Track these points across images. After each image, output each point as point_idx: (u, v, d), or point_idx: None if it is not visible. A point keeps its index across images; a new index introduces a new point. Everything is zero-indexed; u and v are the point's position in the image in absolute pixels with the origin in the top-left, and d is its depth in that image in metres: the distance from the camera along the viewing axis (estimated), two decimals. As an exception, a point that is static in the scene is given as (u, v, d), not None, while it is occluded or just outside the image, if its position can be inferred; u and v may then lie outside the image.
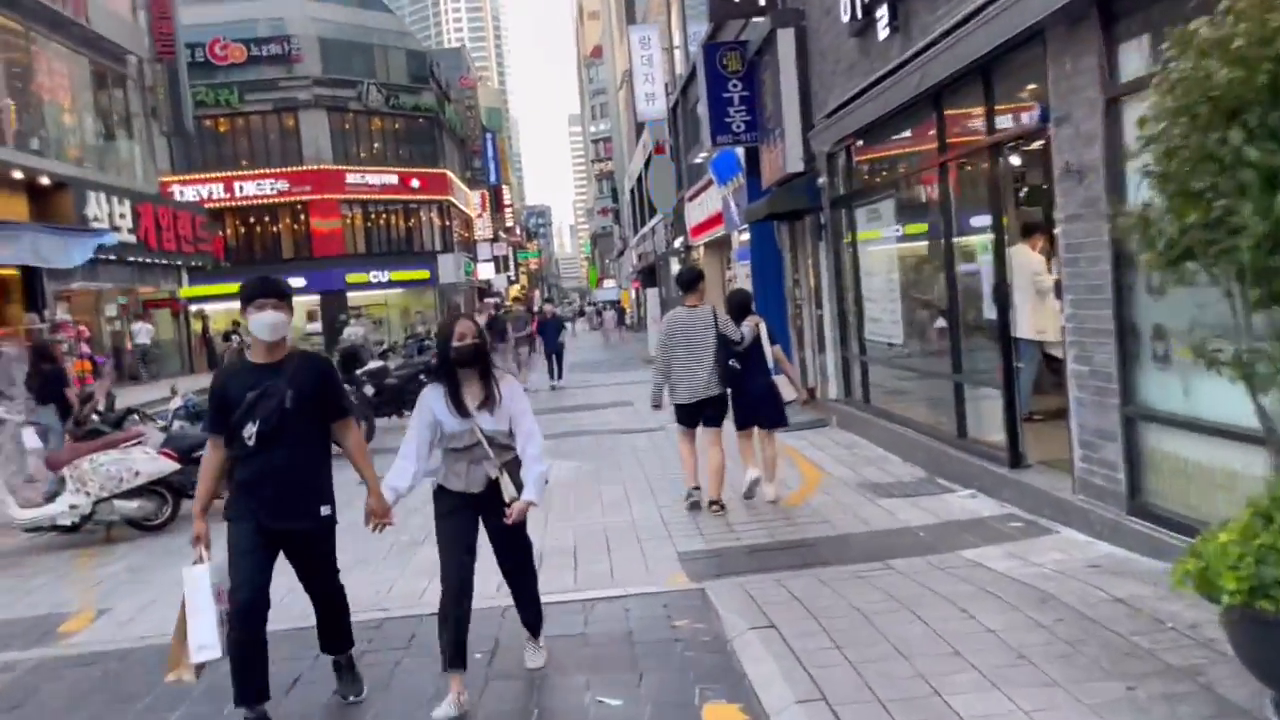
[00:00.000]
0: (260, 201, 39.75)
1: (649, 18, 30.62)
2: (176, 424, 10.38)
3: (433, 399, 4.53)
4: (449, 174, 46.48)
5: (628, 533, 7.39)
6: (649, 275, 46.53)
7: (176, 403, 10.71)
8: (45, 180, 20.92)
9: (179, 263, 27.61)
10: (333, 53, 40.70)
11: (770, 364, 7.83)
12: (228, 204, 39.57)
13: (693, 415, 7.64)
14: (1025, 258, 7.80)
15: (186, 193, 38.70)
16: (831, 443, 10.69)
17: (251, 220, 40.54)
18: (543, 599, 4.97)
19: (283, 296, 4.30)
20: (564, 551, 6.98)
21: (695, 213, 23.44)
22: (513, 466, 4.52)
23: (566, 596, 5.89)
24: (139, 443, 8.65)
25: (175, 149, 39.88)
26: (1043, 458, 7.18)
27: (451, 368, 4.44)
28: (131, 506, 8.42)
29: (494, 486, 4.43)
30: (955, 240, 8.15)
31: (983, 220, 7.63)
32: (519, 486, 4.48)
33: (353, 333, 21.98)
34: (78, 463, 8.32)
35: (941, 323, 8.58)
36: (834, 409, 11.68)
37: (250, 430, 4.17)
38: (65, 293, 22.59)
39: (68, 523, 8.26)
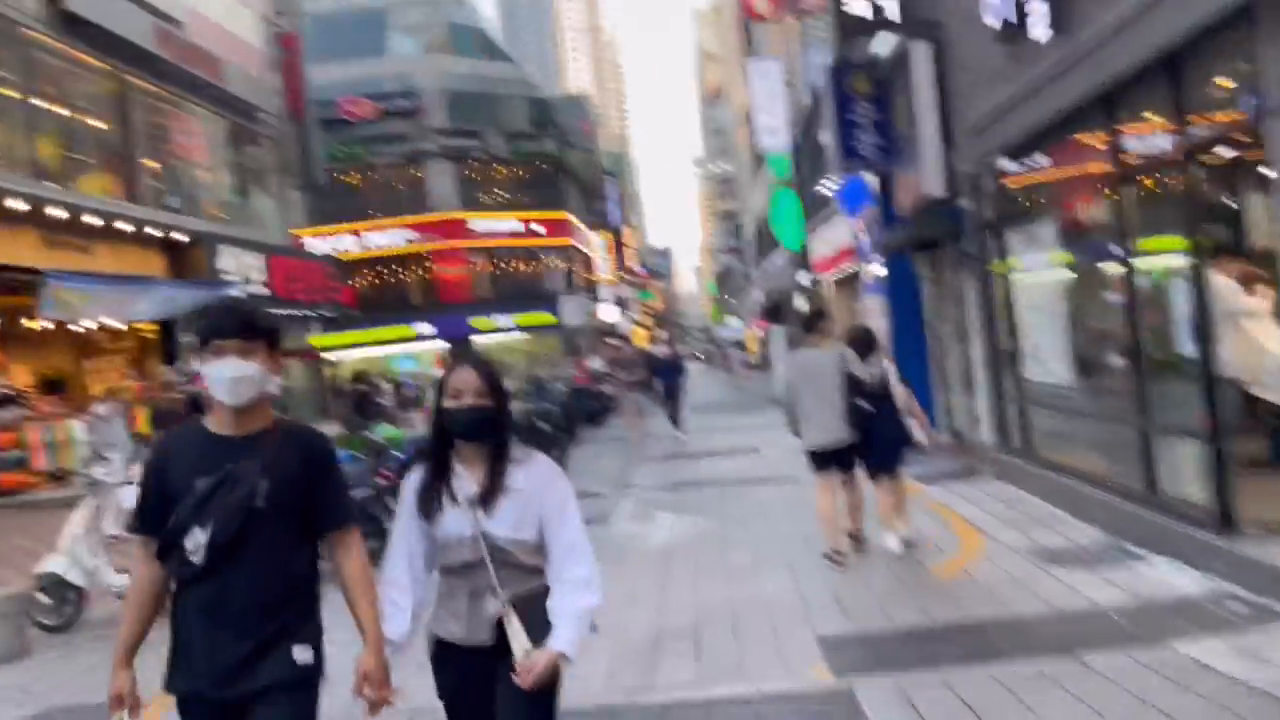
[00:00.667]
0: (389, 251, 40.59)
1: (769, 51, 29.92)
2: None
3: (410, 488, 3.09)
4: (571, 218, 46.65)
5: (758, 610, 6.45)
6: (774, 313, 45.51)
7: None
8: (181, 237, 21.51)
9: (309, 312, 28.10)
10: (457, 104, 41.44)
11: (899, 404, 7.41)
12: (358, 255, 40.51)
13: (826, 460, 7.28)
14: (1225, 283, 6.59)
15: (319, 245, 39.82)
16: (987, 496, 9.50)
17: (381, 270, 41.40)
18: (658, 698, 4.10)
19: (253, 335, 2.85)
20: (683, 634, 6.08)
21: (822, 246, 22.43)
22: (534, 601, 2.92)
23: (686, 695, 4.99)
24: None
25: (309, 203, 41.25)
26: (1260, 519, 5.94)
27: (442, 443, 3.02)
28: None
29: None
30: (1135, 263, 6.99)
31: (1170, 240, 6.47)
32: (541, 630, 2.86)
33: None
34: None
35: (1120, 360, 7.40)
36: (987, 457, 10.47)
37: (197, 540, 2.72)
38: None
39: (165, 589, 7.82)
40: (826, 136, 16.69)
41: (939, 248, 11.35)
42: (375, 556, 3.36)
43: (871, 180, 14.03)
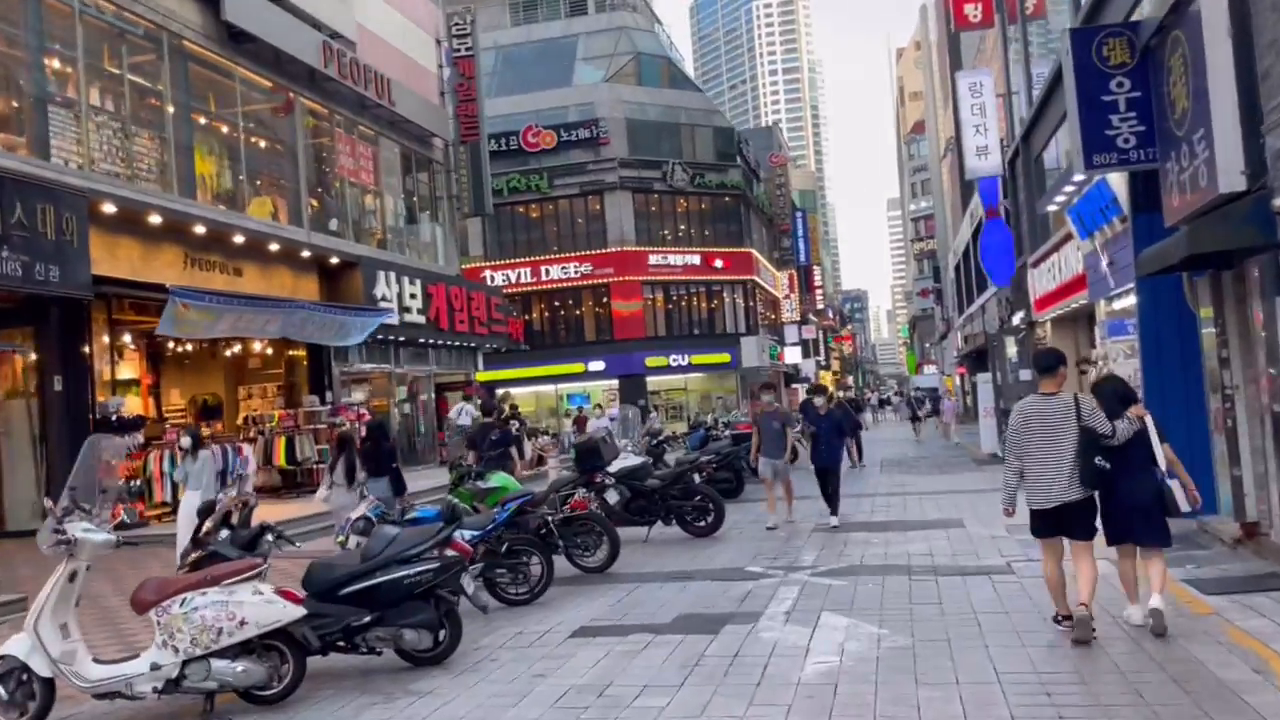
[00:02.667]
0: (564, 285, 39.44)
1: (980, 64, 26.72)
2: (353, 540, 8.00)
3: None
4: (754, 253, 44.29)
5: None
6: (976, 359, 41.38)
7: (359, 510, 8.38)
8: (334, 260, 20.55)
9: (472, 344, 26.86)
10: (639, 134, 40.07)
11: (1161, 465, 6.45)
12: (533, 288, 39.59)
13: (1051, 523, 6.59)
14: None
15: (496, 277, 39.17)
16: (1318, 626, 6.37)
17: (555, 303, 40.32)
18: None
19: None
20: None
21: (1041, 280, 19.08)
22: None
23: None
24: (257, 575, 6.21)
25: (487, 235, 40.81)
26: None
27: None
28: (233, 670, 5.95)
29: None
30: None
31: None
32: None
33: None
34: (167, 604, 5.99)
35: None
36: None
37: None
38: (356, 375, 22.12)
39: (147, 689, 5.90)
40: (1070, 121, 13.69)
41: (1231, 266, 8.24)
42: None
43: (1118, 186, 10.96)
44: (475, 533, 8.26)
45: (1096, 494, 6.46)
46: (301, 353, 20.75)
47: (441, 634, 6.71)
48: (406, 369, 24.29)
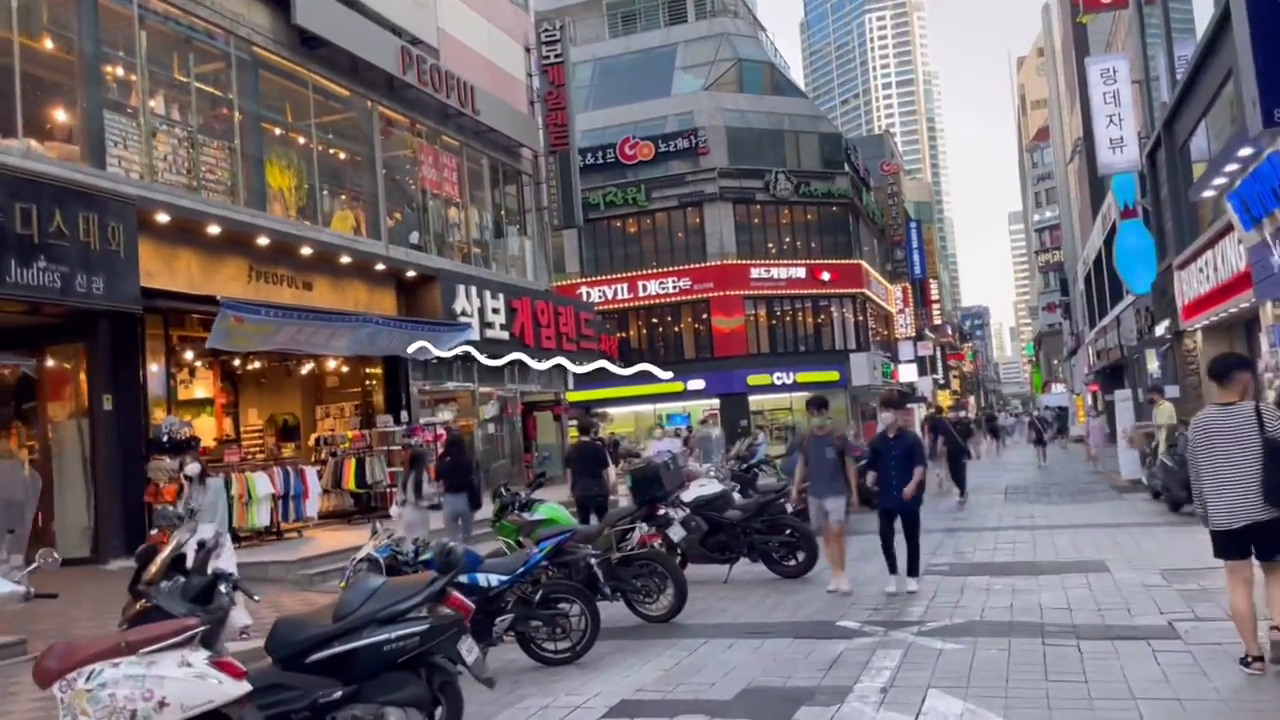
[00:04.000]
0: (663, 300, 38.06)
1: (1113, 50, 24.31)
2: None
3: None
4: (864, 265, 42.07)
5: None
6: (1110, 376, 38.20)
7: (366, 549, 7.05)
8: (411, 274, 19.62)
9: (560, 361, 25.66)
10: (740, 142, 38.48)
11: None
12: (631, 304, 38.34)
13: (1239, 545, 5.82)
14: None
15: (592, 294, 38.10)
16: None
17: (654, 320, 38.96)
18: None
19: None
20: None
21: (1191, 283, 16.75)
22: None
23: None
24: (188, 640, 4.89)
25: (584, 251, 39.80)
26: None
27: None
28: (150, 764, 4.61)
29: None
30: None
31: None
32: None
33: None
34: (71, 677, 4.72)
35: None
36: None
37: None
38: (436, 394, 21.15)
39: (44, 786, 4.64)
40: (1208, 127, 11.69)
41: None
42: None
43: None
44: (503, 578, 6.85)
45: None
46: (378, 370, 19.86)
47: (438, 712, 5.29)
48: (493, 388, 23.21)
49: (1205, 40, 14.77)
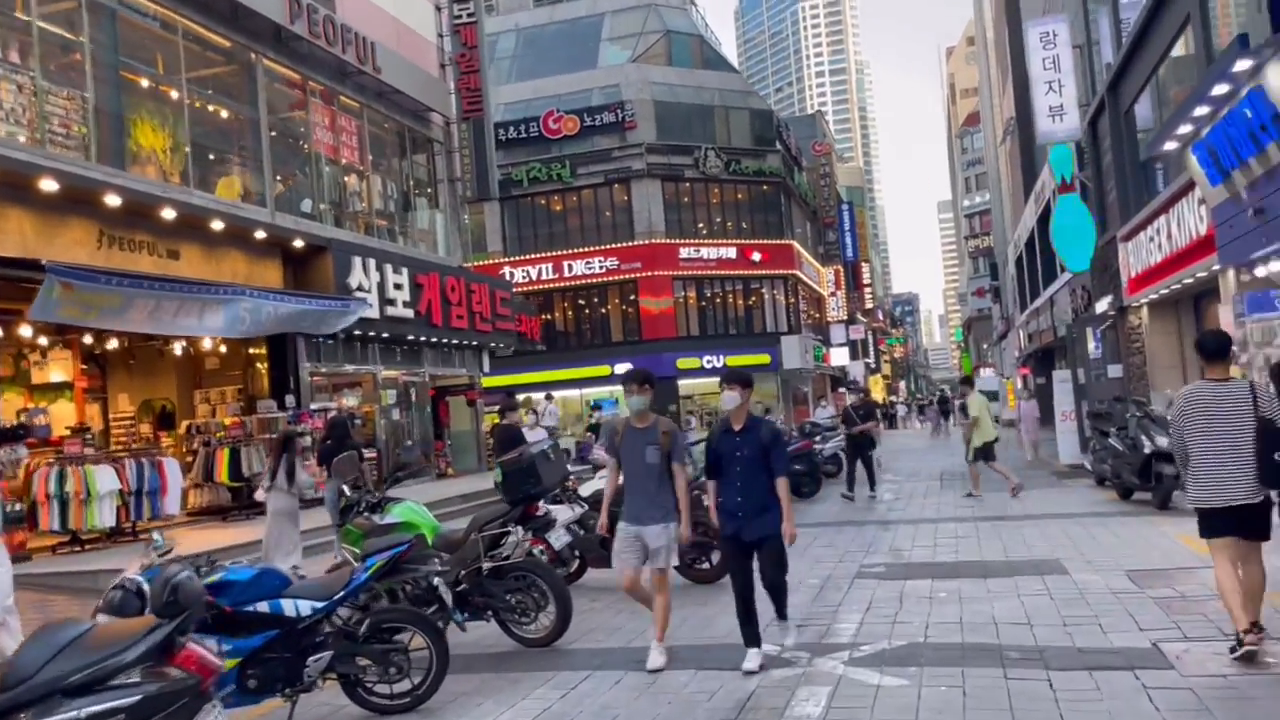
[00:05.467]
0: (589, 281, 36.46)
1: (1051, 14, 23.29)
2: (103, 617, 4.96)
3: None
4: (796, 246, 40.94)
5: None
6: (1042, 359, 37.64)
7: (130, 569, 5.33)
8: (299, 243, 17.74)
9: (475, 343, 23.96)
10: (669, 117, 36.99)
11: None
12: (555, 285, 36.68)
13: (1224, 523, 5.62)
14: None
15: (515, 274, 36.40)
16: None
17: (580, 301, 37.35)
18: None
19: None
20: None
21: (1139, 254, 15.70)
22: None
23: None
24: None
25: (507, 229, 37.99)
26: None
27: None
28: None
29: None
30: None
31: None
32: None
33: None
34: None
35: None
36: None
37: None
38: (333, 377, 19.33)
39: None
40: (1153, 93, 10.59)
41: None
42: None
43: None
44: (317, 604, 5.26)
45: (1275, 493, 5.73)
46: (263, 351, 18.00)
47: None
48: (397, 371, 21.45)
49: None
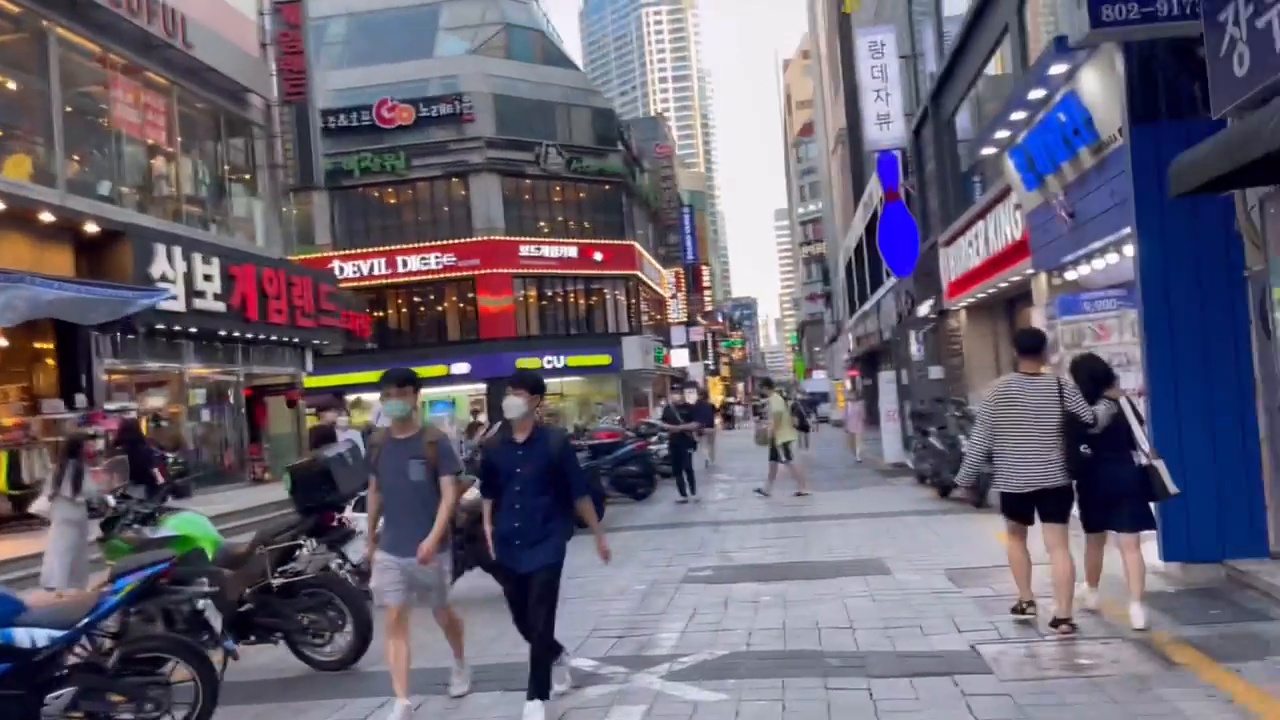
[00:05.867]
0: (424, 277, 35.34)
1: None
2: None
3: None
4: (637, 247, 40.96)
5: None
6: (869, 361, 38.98)
7: None
8: (92, 228, 16.24)
9: (295, 340, 22.67)
10: (509, 112, 36.28)
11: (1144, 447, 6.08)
12: (389, 280, 35.38)
13: (1024, 507, 6.14)
14: None
15: (346, 269, 34.93)
16: None
17: (415, 298, 36.18)
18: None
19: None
20: None
21: (958, 259, 16.20)
22: None
23: None
24: None
25: (337, 221, 36.40)
26: None
27: None
28: None
29: None
30: None
31: None
32: None
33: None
34: None
35: None
36: None
37: None
38: (134, 374, 17.83)
39: None
40: (972, 104, 10.80)
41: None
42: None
43: (1097, 97, 7.86)
44: (56, 633, 4.51)
45: (1076, 481, 6.10)
46: (50, 346, 16.40)
47: None
48: (208, 369, 20.04)
49: (974, 5, 14.08)
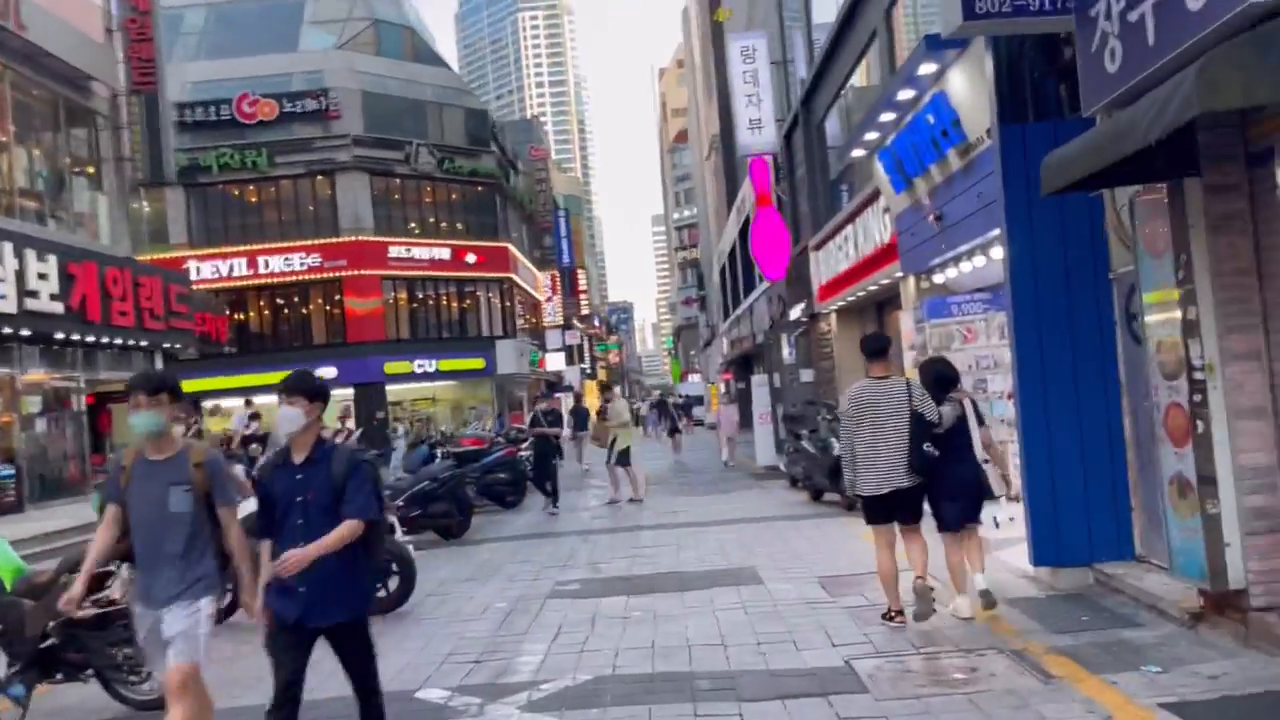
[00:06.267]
0: (288, 279, 33.81)
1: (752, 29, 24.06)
2: None
3: None
4: (511, 249, 40.25)
5: None
6: (743, 365, 39.32)
7: None
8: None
9: (143, 344, 21.25)
10: (377, 110, 35.09)
11: (978, 449, 6.46)
12: (251, 282, 33.75)
13: (883, 509, 6.30)
14: None
15: (203, 269, 33.16)
16: None
17: (279, 300, 34.61)
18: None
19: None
20: None
21: (828, 263, 16.28)
22: None
23: None
24: None
25: (194, 219, 34.54)
26: None
27: None
28: None
29: None
30: None
31: None
32: None
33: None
34: None
35: None
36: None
37: None
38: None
39: None
40: (841, 112, 10.78)
41: (1195, 172, 5.03)
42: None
43: (965, 97, 7.83)
44: None
45: (927, 480, 6.26)
46: None
47: None
48: (44, 374, 18.57)
49: (846, 7, 14.13)
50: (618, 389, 16.78)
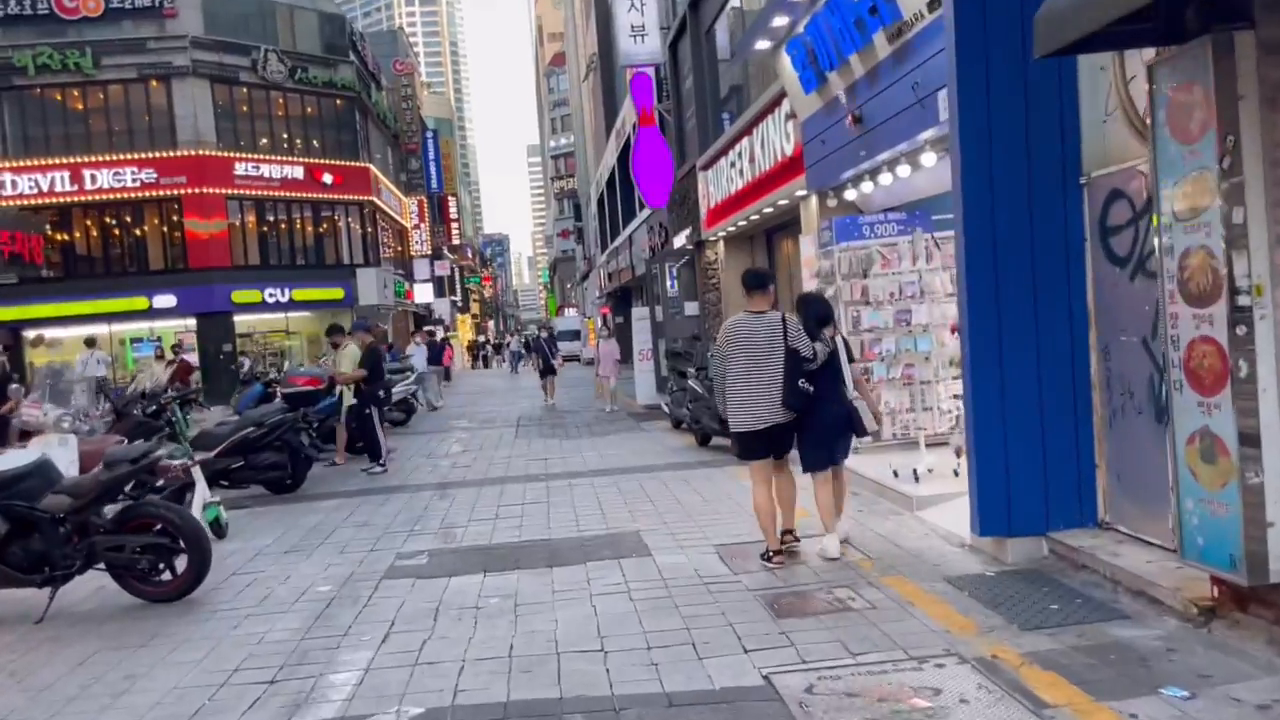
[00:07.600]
0: (119, 195, 30.37)
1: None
2: None
3: None
4: (374, 171, 37.43)
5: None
6: (621, 298, 37.86)
7: None
8: None
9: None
10: (219, 10, 31.60)
11: (849, 386, 6.32)
12: (77, 198, 30.22)
13: (756, 445, 6.18)
14: None
15: (20, 183, 29.54)
16: None
17: (108, 219, 31.17)
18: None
19: None
20: None
21: (719, 184, 14.82)
22: None
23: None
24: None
25: (8, 125, 30.67)
26: None
27: None
28: None
29: None
30: None
31: None
32: None
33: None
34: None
35: None
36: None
37: None
38: None
39: None
40: (732, 16, 9.37)
41: (1242, 22, 3.72)
42: None
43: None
44: None
45: (798, 416, 6.08)
46: None
47: None
48: None
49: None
50: (349, 333, 12.70)
